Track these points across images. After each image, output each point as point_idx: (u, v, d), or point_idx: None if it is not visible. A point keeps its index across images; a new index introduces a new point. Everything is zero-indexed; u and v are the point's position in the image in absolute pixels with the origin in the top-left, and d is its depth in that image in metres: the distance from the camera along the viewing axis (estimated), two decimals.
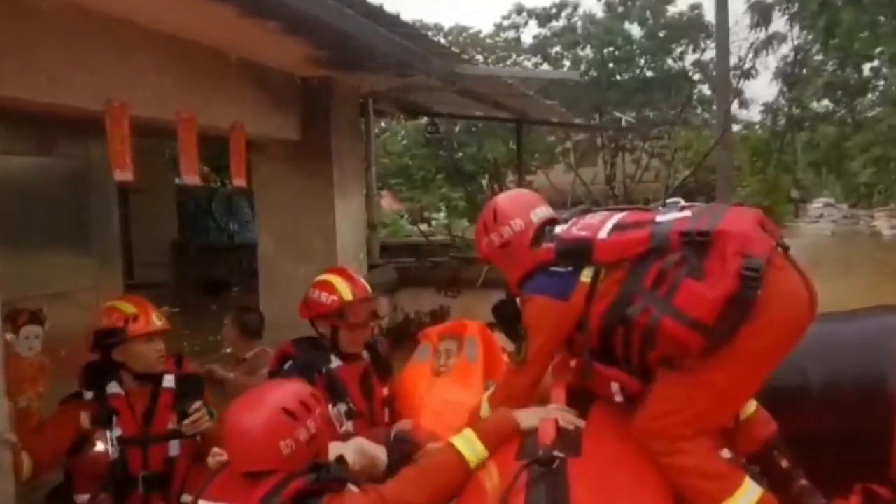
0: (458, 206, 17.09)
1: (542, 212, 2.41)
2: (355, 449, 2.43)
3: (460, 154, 19.15)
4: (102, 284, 4.80)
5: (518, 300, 2.35)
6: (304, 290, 3.38)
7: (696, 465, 1.98)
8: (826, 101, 19.61)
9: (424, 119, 11.07)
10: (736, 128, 20.99)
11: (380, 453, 2.50)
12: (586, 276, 2.14)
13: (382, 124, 18.47)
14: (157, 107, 4.36)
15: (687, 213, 2.10)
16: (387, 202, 17.72)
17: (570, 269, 2.17)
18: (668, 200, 2.26)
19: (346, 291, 3.23)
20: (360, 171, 6.28)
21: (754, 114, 26.60)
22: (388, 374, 3.40)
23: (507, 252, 2.38)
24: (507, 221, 2.37)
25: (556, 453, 1.88)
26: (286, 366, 3.16)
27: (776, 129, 19.02)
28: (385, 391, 3.33)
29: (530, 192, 2.62)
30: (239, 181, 5.23)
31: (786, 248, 2.02)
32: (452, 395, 2.94)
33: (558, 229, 2.28)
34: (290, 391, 2.12)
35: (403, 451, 2.51)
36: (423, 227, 14.85)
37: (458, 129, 19.27)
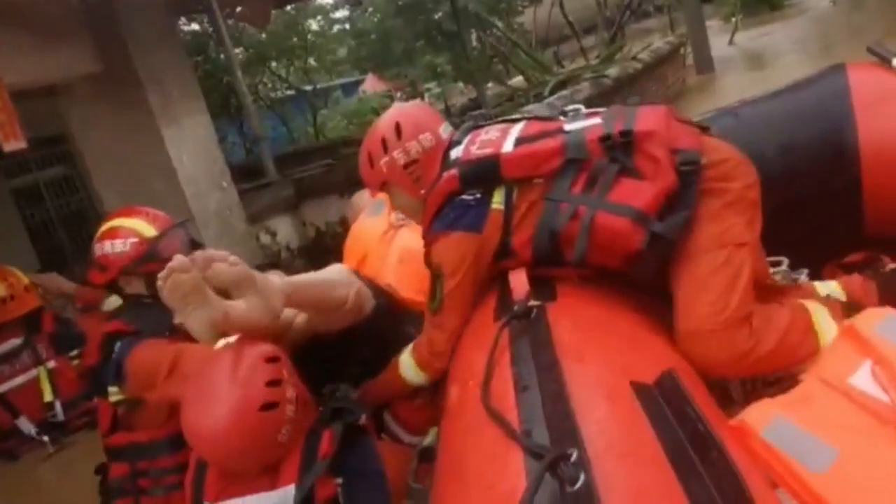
0: (446, 70, 15.38)
1: (448, 128, 2.06)
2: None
3: (438, 14, 17.20)
4: None
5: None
6: None
7: (786, 325, 1.66)
8: None
9: None
10: None
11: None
12: (497, 201, 1.83)
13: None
14: None
15: (596, 119, 1.82)
16: (371, 85, 16.14)
17: (478, 195, 1.85)
18: (569, 108, 2.00)
19: (144, 227, 2.48)
20: (190, 87, 5.00)
21: None
22: None
23: (412, 174, 1.99)
24: (416, 136, 1.99)
25: (531, 303, 1.67)
26: (120, 344, 2.36)
27: None
28: None
29: (429, 106, 2.26)
30: (13, 144, 4.02)
31: (706, 129, 1.84)
32: (416, 244, 2.33)
33: (454, 153, 1.93)
34: (254, 380, 1.75)
35: None
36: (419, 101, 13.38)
37: None
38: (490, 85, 10.93)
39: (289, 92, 11.18)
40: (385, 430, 2.18)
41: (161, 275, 1.70)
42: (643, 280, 1.73)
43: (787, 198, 2.11)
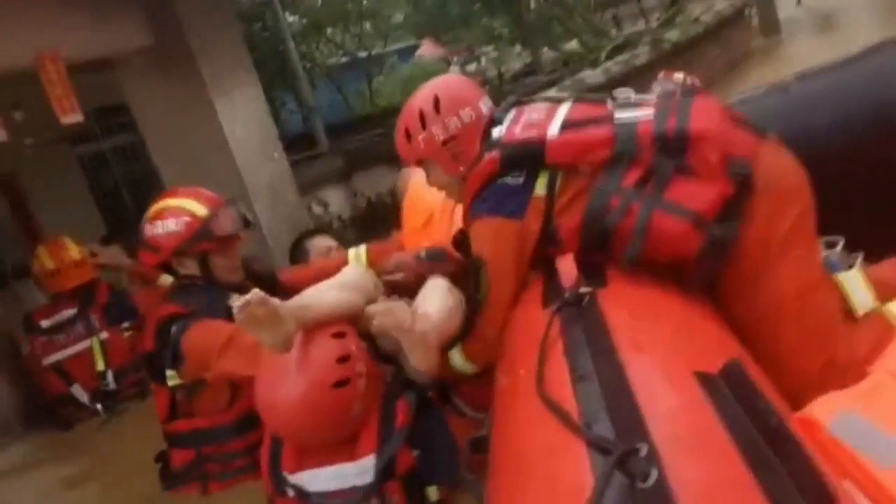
0: (503, 34, 15.09)
1: (489, 102, 1.97)
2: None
3: None
4: None
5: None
6: None
7: (867, 352, 1.54)
8: None
9: None
10: None
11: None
12: (541, 186, 1.76)
13: None
14: None
15: (648, 111, 1.72)
16: (427, 51, 15.97)
17: (521, 180, 1.78)
18: (618, 92, 1.85)
19: (195, 207, 2.43)
20: (242, 58, 4.98)
21: None
22: (276, 292, 2.53)
23: (451, 151, 1.92)
24: (455, 111, 1.91)
25: (582, 290, 1.60)
26: (175, 327, 2.31)
27: None
28: None
29: (468, 79, 2.11)
30: (70, 117, 4.09)
31: (763, 134, 1.69)
32: None
33: (496, 132, 1.85)
34: (325, 358, 1.74)
35: (442, 271, 2.12)
36: (474, 66, 13.17)
37: None
38: (545, 49, 10.65)
39: (344, 59, 11.10)
40: (449, 403, 2.13)
41: (235, 305, 1.64)
42: (695, 285, 1.66)
43: (840, 176, 2.03)
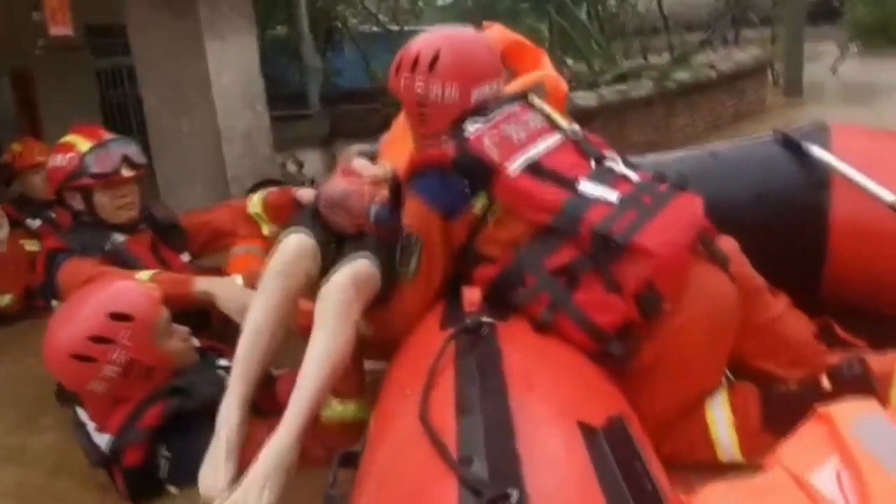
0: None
1: (486, 91, 1.87)
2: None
3: None
4: None
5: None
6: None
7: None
8: None
9: None
10: None
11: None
12: (478, 206, 1.74)
13: None
14: None
15: (614, 194, 1.69)
16: None
17: (468, 189, 1.74)
18: (609, 154, 1.85)
19: (81, 143, 2.55)
20: (241, 5, 5.02)
21: None
22: (181, 241, 2.71)
23: (420, 110, 1.89)
24: (443, 80, 1.84)
25: (484, 319, 1.59)
26: (55, 262, 2.49)
27: None
28: (185, 258, 2.68)
29: (489, 51, 1.98)
30: (59, 29, 4.22)
31: (719, 258, 1.75)
32: None
33: (472, 127, 1.77)
34: (79, 329, 1.89)
35: (379, 234, 1.99)
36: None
37: None
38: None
39: (375, 29, 11.16)
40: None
41: None
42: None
43: (754, 247, 2.07)
